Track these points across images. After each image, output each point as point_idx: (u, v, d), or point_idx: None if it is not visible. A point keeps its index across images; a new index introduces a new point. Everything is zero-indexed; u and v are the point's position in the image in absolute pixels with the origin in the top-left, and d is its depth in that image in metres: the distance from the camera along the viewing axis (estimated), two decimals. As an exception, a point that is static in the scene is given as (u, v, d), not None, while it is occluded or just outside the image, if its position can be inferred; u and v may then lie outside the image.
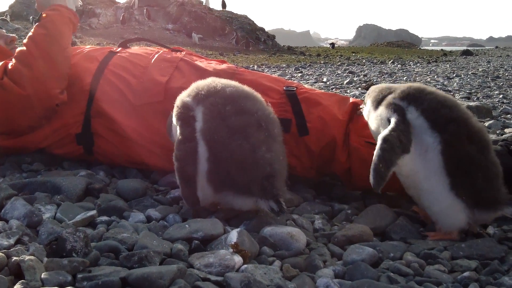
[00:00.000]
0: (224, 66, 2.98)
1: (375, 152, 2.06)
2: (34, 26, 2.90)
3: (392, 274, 1.72)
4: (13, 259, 1.51)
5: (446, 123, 2.10)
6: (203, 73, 2.58)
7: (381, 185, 2.04)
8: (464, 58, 27.40)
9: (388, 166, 2.05)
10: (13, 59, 2.75)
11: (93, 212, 2.08)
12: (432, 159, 2.10)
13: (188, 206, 2.16)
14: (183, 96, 2.20)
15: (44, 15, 2.91)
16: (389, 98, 2.26)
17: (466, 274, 1.74)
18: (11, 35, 3.26)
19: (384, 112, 2.24)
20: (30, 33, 2.85)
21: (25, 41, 2.82)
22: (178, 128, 2.13)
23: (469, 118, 2.13)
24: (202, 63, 2.94)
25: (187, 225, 1.93)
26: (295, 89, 2.76)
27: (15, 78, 2.67)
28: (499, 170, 2.12)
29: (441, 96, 2.19)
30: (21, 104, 2.67)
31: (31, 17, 25.65)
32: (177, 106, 2.19)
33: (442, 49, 42.46)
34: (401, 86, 2.30)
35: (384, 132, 2.10)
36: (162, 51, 3.07)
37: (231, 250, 1.72)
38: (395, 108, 2.19)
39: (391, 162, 2.05)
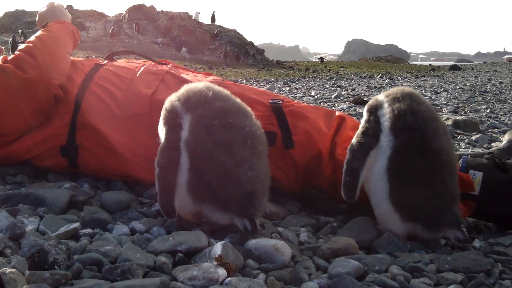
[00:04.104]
0: (210, 78, 2.99)
1: (343, 166, 2.20)
2: (40, 30, 3.02)
3: (377, 287, 1.71)
4: (-5, 271, 1.50)
5: (404, 130, 2.13)
6: (189, 86, 2.57)
7: (352, 197, 2.17)
8: (452, 73, 27.57)
9: (354, 176, 2.15)
10: (16, 52, 2.81)
11: (77, 225, 2.06)
12: (379, 161, 2.15)
13: (164, 215, 2.15)
14: (173, 99, 2.18)
15: (50, 23, 3.06)
16: (377, 95, 2.35)
17: (451, 287, 1.74)
18: (-4, 46, 3.27)
19: (364, 109, 2.34)
20: (35, 34, 2.96)
21: (30, 39, 2.92)
22: (164, 132, 2.13)
23: (433, 134, 2.13)
24: (188, 76, 2.94)
25: (171, 238, 1.91)
26: (281, 102, 2.77)
27: (17, 63, 2.72)
28: (450, 192, 2.14)
29: (419, 105, 2.21)
30: (19, 90, 2.68)
31: (20, 30, 25.62)
32: (166, 109, 2.17)
33: (430, 64, 42.74)
34: (399, 87, 2.34)
35: (351, 142, 2.22)
36: (148, 64, 3.08)
37: (215, 263, 1.71)
38: (368, 108, 2.29)
39: (355, 170, 2.16)
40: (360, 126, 2.28)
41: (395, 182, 2.11)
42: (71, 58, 3.04)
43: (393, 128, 2.15)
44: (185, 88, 2.22)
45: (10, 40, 20.26)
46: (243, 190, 1.98)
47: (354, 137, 2.25)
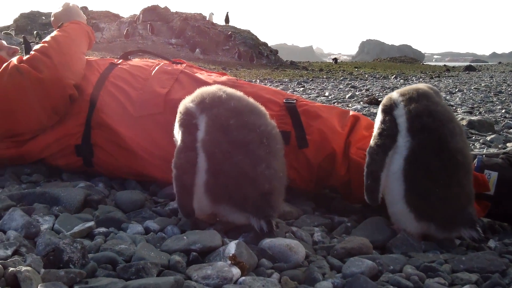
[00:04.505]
0: (224, 78, 2.99)
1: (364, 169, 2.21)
2: (55, 31, 3.04)
3: (391, 287, 1.70)
4: (10, 270, 1.50)
5: (421, 131, 2.12)
6: (203, 85, 2.56)
7: (375, 200, 2.17)
8: (467, 73, 27.43)
9: (375, 178, 2.16)
10: (32, 52, 2.82)
11: (91, 224, 2.07)
12: (396, 161, 2.15)
13: (182, 215, 2.15)
14: (187, 102, 2.18)
15: (65, 24, 3.09)
16: (391, 93, 2.33)
17: (466, 287, 1.72)
18: (13, 47, 3.29)
19: (379, 109, 2.32)
20: (51, 35, 2.98)
21: (45, 39, 2.93)
22: (180, 134, 2.12)
23: (450, 135, 2.12)
24: (202, 75, 2.95)
25: (185, 237, 1.92)
26: (295, 101, 2.76)
27: (33, 63, 2.73)
28: (465, 192, 2.13)
29: (436, 106, 2.20)
30: (35, 89, 2.69)
31: (35, 31, 25.81)
32: (180, 112, 2.18)
33: (445, 65, 42.55)
34: (413, 85, 2.34)
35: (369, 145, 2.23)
36: (162, 63, 3.09)
37: (229, 262, 1.70)
38: (383, 108, 2.28)
39: (375, 172, 2.16)
40: (376, 127, 2.27)
41: (411, 182, 2.11)
42: (86, 58, 3.06)
43: (410, 128, 2.14)
44: (198, 91, 2.22)
45: (22, 41, 20.43)
46: (261, 189, 1.98)
47: (372, 139, 2.25)
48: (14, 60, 2.77)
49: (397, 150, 2.15)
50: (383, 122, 2.25)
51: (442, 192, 2.08)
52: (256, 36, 31.88)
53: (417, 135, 2.12)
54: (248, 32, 32.50)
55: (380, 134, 2.22)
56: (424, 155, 2.10)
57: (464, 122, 6.04)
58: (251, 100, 2.21)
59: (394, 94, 2.30)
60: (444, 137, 2.11)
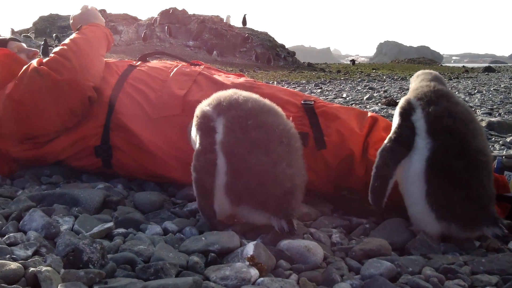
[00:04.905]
0: (242, 79, 3.00)
1: (372, 169, 2.21)
2: (74, 33, 3.07)
3: (410, 288, 1.70)
4: (30, 270, 1.52)
5: (442, 132, 2.11)
6: (221, 87, 2.58)
7: (380, 203, 2.19)
8: (486, 74, 27.21)
9: (383, 183, 2.17)
10: (51, 54, 2.84)
11: (110, 224, 2.08)
12: (417, 162, 2.13)
13: (204, 218, 2.15)
14: (204, 106, 2.19)
15: (84, 27, 3.11)
16: (409, 95, 2.31)
17: (486, 289, 1.72)
18: (33, 49, 3.32)
19: (396, 111, 2.31)
20: (70, 37, 3.00)
21: (65, 42, 2.95)
22: (197, 138, 2.13)
23: (471, 136, 2.11)
24: (220, 77, 2.95)
25: (203, 238, 1.92)
26: (312, 103, 2.76)
27: (52, 66, 2.75)
28: (487, 192, 2.12)
29: (456, 107, 2.18)
30: (54, 92, 2.72)
31: (54, 34, 26.03)
32: (197, 116, 2.18)
33: (463, 66, 42.20)
34: (430, 84, 2.32)
35: (383, 144, 2.22)
36: (180, 65, 3.09)
37: (247, 263, 1.71)
38: (401, 111, 2.26)
39: (385, 177, 2.17)
40: (393, 130, 2.26)
41: (432, 183, 2.09)
42: (105, 60, 3.07)
43: (431, 130, 2.13)
44: (214, 95, 2.22)
45: (41, 43, 20.64)
46: (282, 188, 1.98)
47: (386, 141, 2.23)
48: (34, 62, 2.79)
49: (416, 151, 2.14)
50: (400, 126, 2.24)
51: (464, 193, 2.06)
52: (273, 38, 31.88)
53: (438, 136, 2.11)
54: (266, 34, 32.52)
55: (396, 140, 2.21)
56: (446, 156, 2.08)
57: (483, 124, 6.00)
58: (267, 101, 2.20)
59: (412, 98, 2.28)
60: (465, 138, 2.10)
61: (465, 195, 2.07)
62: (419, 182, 2.12)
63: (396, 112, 2.31)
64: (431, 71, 2.51)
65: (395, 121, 2.29)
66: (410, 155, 2.16)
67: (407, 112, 2.24)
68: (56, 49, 2.88)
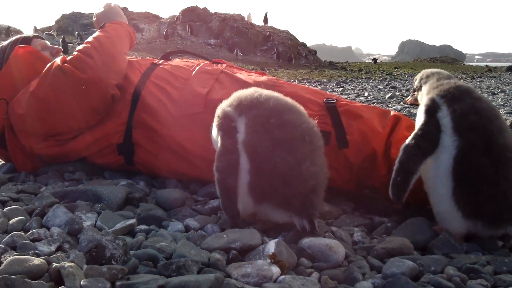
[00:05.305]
0: (264, 78, 2.99)
1: (395, 164, 2.17)
2: (97, 31, 3.09)
3: (432, 288, 1.69)
4: (54, 265, 1.54)
5: (468, 129, 2.09)
6: (243, 85, 2.58)
7: (401, 198, 2.16)
8: (509, 74, 26.87)
9: (406, 178, 2.14)
10: (75, 52, 2.87)
11: (133, 221, 2.10)
12: (443, 160, 2.12)
13: (228, 218, 2.15)
14: (224, 106, 2.18)
15: (107, 24, 3.12)
16: (432, 93, 2.29)
17: (509, 289, 1.70)
18: (56, 47, 3.35)
19: (421, 109, 2.29)
20: (93, 35, 3.02)
21: (88, 40, 2.97)
22: (219, 139, 2.13)
23: (497, 132, 2.10)
24: (242, 75, 2.96)
25: (225, 235, 1.93)
26: (335, 101, 2.75)
27: (76, 64, 2.77)
28: None
29: (481, 104, 2.17)
30: (78, 89, 2.73)
31: (76, 32, 26.23)
32: (218, 116, 2.18)
33: (486, 65, 41.72)
34: (450, 82, 2.30)
35: (407, 140, 2.20)
36: (203, 63, 3.11)
37: (268, 260, 1.71)
38: (426, 108, 2.24)
39: (409, 172, 2.14)
40: (418, 127, 2.24)
41: (460, 180, 2.08)
42: (128, 58, 3.09)
43: (457, 128, 2.11)
44: (234, 95, 2.22)
45: (60, 41, 20.84)
46: (305, 186, 1.97)
47: (411, 137, 2.21)
48: (58, 60, 2.81)
49: (443, 150, 2.13)
50: (425, 124, 2.22)
51: (491, 189, 2.05)
52: (294, 37, 31.84)
53: (465, 133, 2.09)
54: (287, 32, 32.48)
55: (422, 136, 2.19)
56: (473, 153, 2.07)
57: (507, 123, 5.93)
58: (289, 99, 2.20)
59: (435, 96, 2.27)
60: (492, 134, 2.08)
61: (492, 192, 2.05)
62: (446, 180, 2.10)
63: (421, 110, 2.29)
64: (439, 70, 2.51)
65: (420, 119, 2.27)
66: (436, 153, 2.15)
67: (432, 110, 2.22)
68: (79, 47, 2.90)
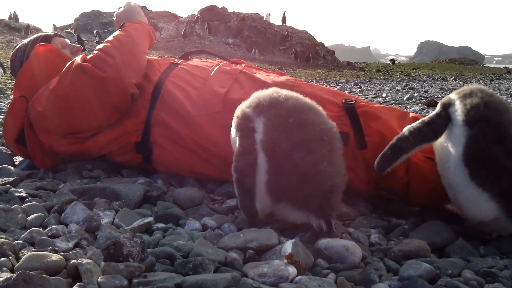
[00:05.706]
0: (283, 78, 2.99)
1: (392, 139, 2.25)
2: (117, 30, 3.09)
3: (449, 291, 1.68)
4: (71, 262, 1.55)
5: (478, 119, 2.11)
6: (262, 85, 2.58)
7: (383, 169, 2.20)
8: (529, 76, 26.63)
9: (397, 154, 2.19)
10: (95, 51, 2.87)
11: (150, 219, 2.11)
12: (454, 151, 2.13)
13: (246, 218, 2.15)
14: (243, 107, 2.19)
15: (127, 24, 3.13)
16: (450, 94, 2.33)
17: (527, 294, 1.69)
18: (76, 45, 3.37)
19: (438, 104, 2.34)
20: (113, 34, 3.03)
21: (108, 39, 2.98)
22: (237, 139, 2.13)
23: (508, 124, 2.10)
24: (261, 76, 2.96)
25: (242, 235, 1.93)
26: (354, 102, 2.74)
27: (96, 63, 2.78)
28: None
29: (490, 97, 2.19)
30: (98, 88, 2.74)
31: (95, 30, 26.39)
32: (237, 117, 2.18)
33: (505, 67, 41.32)
34: (472, 86, 2.33)
35: (412, 124, 2.25)
36: (222, 63, 3.11)
37: (285, 260, 1.71)
38: (441, 103, 2.30)
39: (401, 150, 2.19)
40: (429, 115, 2.27)
41: (474, 166, 2.08)
42: (147, 57, 3.10)
43: (467, 120, 2.13)
44: (253, 95, 2.22)
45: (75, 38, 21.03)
46: (323, 187, 1.97)
47: (419, 121, 2.26)
48: (78, 59, 2.82)
49: (452, 140, 2.16)
50: (437, 115, 2.26)
51: (510, 178, 2.05)
52: (312, 37, 31.75)
53: (475, 124, 2.10)
54: (305, 32, 32.39)
55: (427, 123, 2.23)
56: (485, 141, 2.07)
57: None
58: (308, 99, 2.20)
59: (452, 94, 2.31)
60: (502, 125, 2.09)
61: (510, 180, 2.04)
62: (460, 167, 2.11)
63: (439, 104, 2.32)
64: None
65: (436, 109, 2.30)
66: (446, 145, 2.18)
67: (446, 105, 2.27)
68: (99, 46, 2.91)
